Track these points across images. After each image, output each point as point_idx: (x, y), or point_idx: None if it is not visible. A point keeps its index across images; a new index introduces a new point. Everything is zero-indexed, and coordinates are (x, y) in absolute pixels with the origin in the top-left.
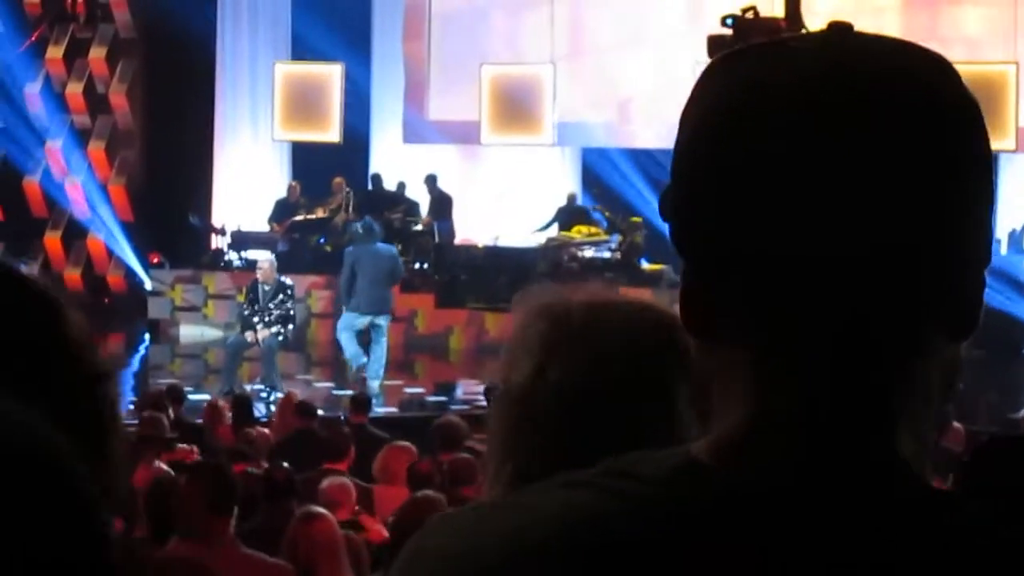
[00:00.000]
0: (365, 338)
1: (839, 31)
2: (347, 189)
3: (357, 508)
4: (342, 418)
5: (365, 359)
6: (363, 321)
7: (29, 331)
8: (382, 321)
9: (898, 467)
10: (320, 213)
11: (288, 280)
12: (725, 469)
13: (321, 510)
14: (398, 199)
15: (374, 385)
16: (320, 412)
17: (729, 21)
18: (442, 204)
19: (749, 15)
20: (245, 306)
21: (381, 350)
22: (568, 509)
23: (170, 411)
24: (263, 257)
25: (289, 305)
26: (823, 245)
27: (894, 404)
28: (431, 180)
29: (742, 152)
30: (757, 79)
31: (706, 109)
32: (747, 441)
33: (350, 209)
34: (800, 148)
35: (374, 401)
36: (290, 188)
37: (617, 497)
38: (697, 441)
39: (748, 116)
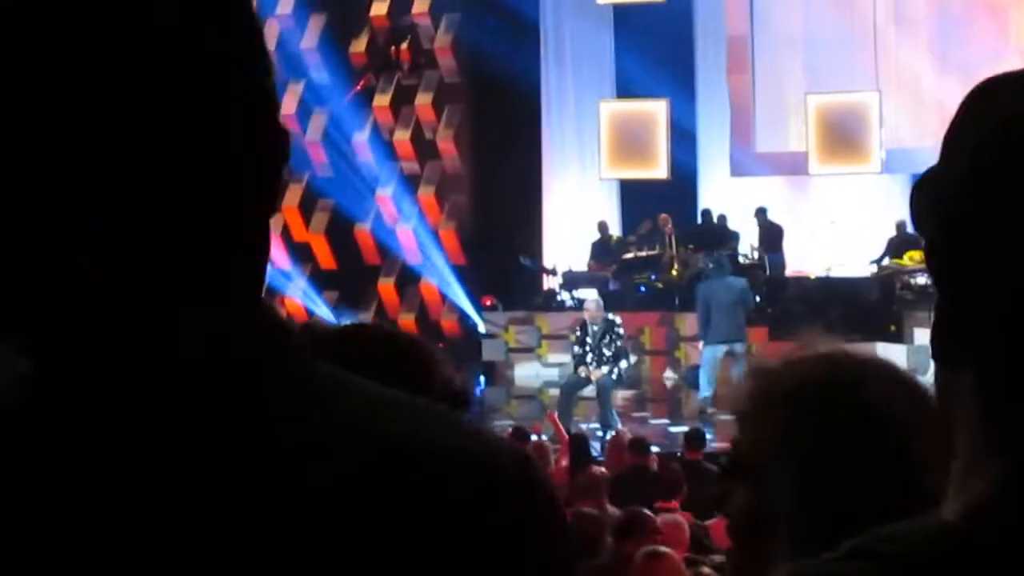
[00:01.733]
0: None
1: None
2: (671, 225)
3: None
4: (677, 455)
5: (709, 393)
6: (720, 351)
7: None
8: (739, 348)
9: None
10: (647, 251)
11: (616, 318)
12: (976, 531)
13: (665, 549)
14: (723, 232)
15: None
16: (655, 449)
17: None
18: (773, 236)
19: None
20: (576, 346)
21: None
22: None
23: None
24: (590, 297)
25: (619, 343)
26: None
27: None
28: (762, 213)
29: None
30: None
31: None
32: (991, 498)
33: (675, 246)
34: None
35: (708, 436)
36: (600, 226)
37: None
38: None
39: None
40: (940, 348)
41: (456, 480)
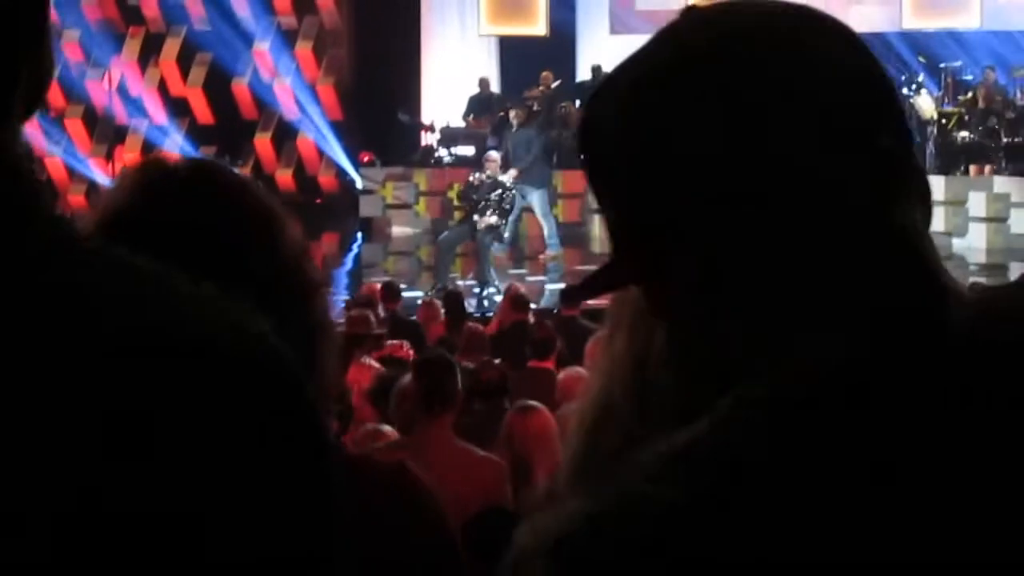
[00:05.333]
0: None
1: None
2: (553, 83)
3: None
4: (554, 312)
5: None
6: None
7: (247, 246)
8: (534, 197)
9: None
10: (526, 107)
11: (504, 176)
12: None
13: (536, 404)
14: None
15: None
16: (532, 305)
17: None
18: None
19: None
20: (460, 201)
21: (547, 222)
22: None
23: (380, 308)
24: (490, 152)
25: (507, 200)
26: None
27: None
28: None
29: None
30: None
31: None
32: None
33: (554, 102)
34: None
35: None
36: (481, 82)
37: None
38: None
39: None
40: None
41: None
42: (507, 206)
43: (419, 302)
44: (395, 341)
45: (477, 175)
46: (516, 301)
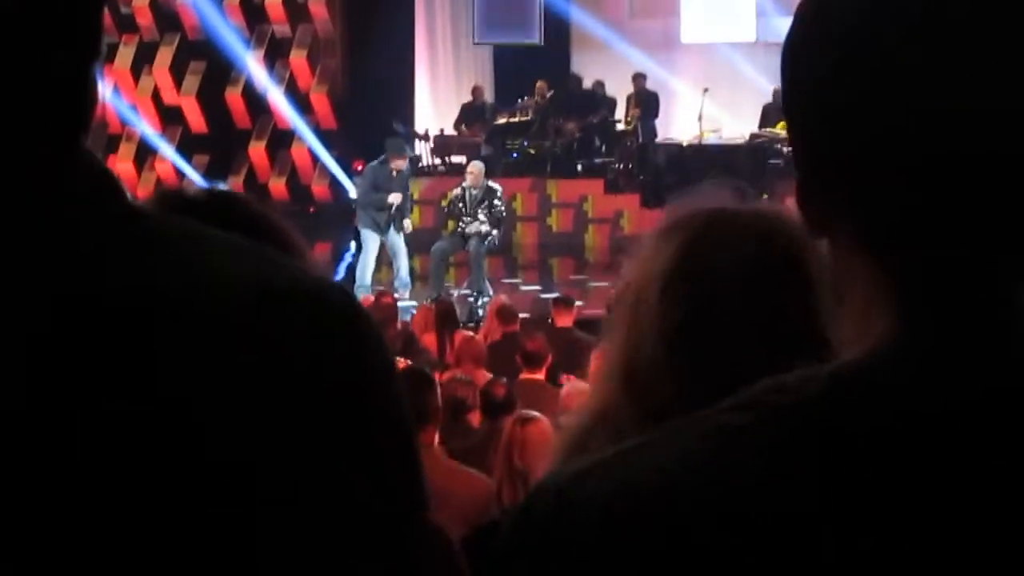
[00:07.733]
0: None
1: None
2: (548, 92)
3: None
4: (549, 322)
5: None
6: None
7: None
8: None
9: None
10: (519, 116)
11: (495, 185)
12: (878, 368)
13: (536, 414)
14: (597, 99)
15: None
16: (525, 315)
17: None
18: (648, 103)
19: None
20: (451, 211)
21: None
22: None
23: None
24: (473, 163)
25: (499, 209)
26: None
27: None
28: (640, 78)
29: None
30: None
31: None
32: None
33: (548, 112)
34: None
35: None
36: (475, 91)
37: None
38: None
39: None
40: (807, 213)
41: (291, 312)
42: (499, 215)
43: (413, 312)
44: None
45: (463, 186)
46: (502, 313)
